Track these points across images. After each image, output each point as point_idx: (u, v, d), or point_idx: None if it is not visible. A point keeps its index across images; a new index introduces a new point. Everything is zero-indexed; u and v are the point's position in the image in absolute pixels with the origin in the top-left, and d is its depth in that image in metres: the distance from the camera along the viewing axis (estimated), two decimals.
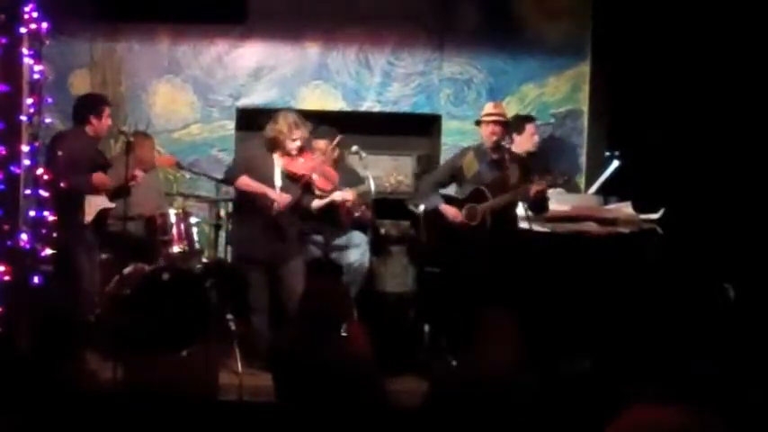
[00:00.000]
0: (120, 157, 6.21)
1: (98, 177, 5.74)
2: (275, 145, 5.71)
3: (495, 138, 5.85)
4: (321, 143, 6.19)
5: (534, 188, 5.65)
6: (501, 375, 3.70)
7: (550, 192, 5.89)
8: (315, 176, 5.79)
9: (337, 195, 5.84)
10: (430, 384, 4.24)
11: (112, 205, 5.86)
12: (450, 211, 5.89)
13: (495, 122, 5.89)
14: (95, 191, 5.75)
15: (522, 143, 6.38)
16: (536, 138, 6.50)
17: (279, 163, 5.73)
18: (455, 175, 6.03)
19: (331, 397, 3.87)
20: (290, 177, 5.74)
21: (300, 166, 5.74)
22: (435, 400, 3.82)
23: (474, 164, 5.93)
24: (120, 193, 5.81)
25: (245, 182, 5.70)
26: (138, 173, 5.89)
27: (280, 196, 5.65)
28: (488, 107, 6.07)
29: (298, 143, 5.68)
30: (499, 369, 3.73)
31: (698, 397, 3.24)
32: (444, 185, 6.10)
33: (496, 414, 3.58)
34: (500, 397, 3.62)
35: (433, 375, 4.45)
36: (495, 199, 5.76)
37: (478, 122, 6.02)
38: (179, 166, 6.51)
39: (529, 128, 6.42)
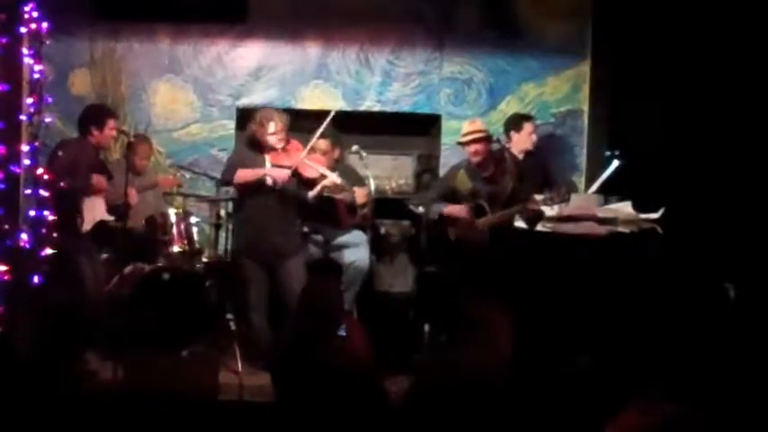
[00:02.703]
0: (119, 162, 6.23)
1: (97, 179, 5.73)
2: (257, 143, 5.75)
3: (478, 158, 5.93)
4: (322, 143, 6.20)
5: (529, 209, 5.68)
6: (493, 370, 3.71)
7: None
8: (302, 167, 5.74)
9: (326, 181, 5.78)
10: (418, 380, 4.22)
11: (111, 218, 5.84)
12: (455, 209, 5.92)
13: (474, 141, 5.95)
14: (94, 191, 5.73)
15: (521, 142, 6.40)
16: (534, 137, 6.50)
17: (268, 159, 5.76)
18: (448, 193, 6.07)
19: (329, 397, 3.87)
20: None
21: (285, 159, 5.75)
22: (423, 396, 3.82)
23: (467, 181, 5.99)
24: (118, 209, 5.79)
25: (242, 174, 5.73)
26: (132, 192, 5.88)
27: (275, 171, 5.68)
28: (464, 127, 6.13)
29: (276, 137, 5.70)
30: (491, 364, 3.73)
31: (695, 396, 3.24)
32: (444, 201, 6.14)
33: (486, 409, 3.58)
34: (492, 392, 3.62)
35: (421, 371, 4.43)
36: (494, 215, 5.80)
37: (460, 143, 6.07)
38: (179, 186, 6.53)
39: (527, 126, 6.44)
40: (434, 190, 6.39)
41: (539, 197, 5.70)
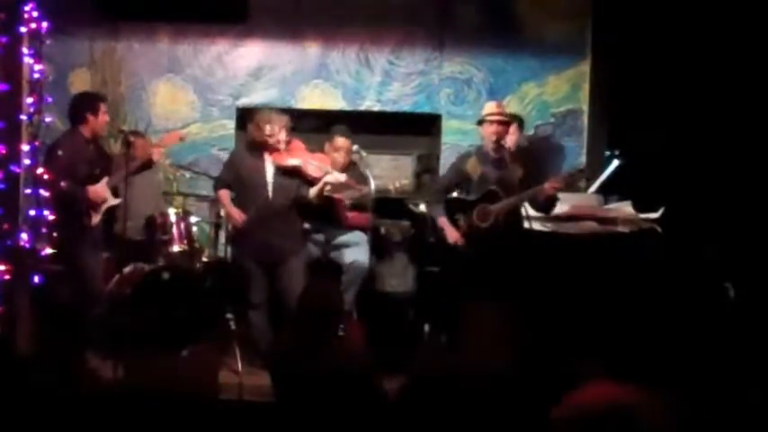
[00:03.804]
0: (118, 158, 6.23)
1: (94, 192, 5.75)
2: (258, 144, 5.75)
3: (496, 137, 5.85)
4: (345, 142, 6.19)
5: (549, 185, 5.65)
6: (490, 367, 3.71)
7: None
8: (306, 165, 5.75)
9: (330, 178, 5.77)
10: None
11: (118, 201, 5.83)
12: (450, 232, 5.87)
13: (498, 122, 5.90)
14: (91, 204, 5.75)
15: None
16: (513, 137, 6.32)
17: (269, 159, 5.75)
18: (461, 180, 6.02)
19: (328, 397, 3.87)
20: (280, 172, 5.75)
21: (288, 158, 5.74)
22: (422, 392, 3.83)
23: (478, 166, 5.93)
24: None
25: (221, 197, 5.85)
26: (158, 150, 6.01)
27: (234, 215, 5.73)
28: (491, 107, 6.06)
29: (273, 138, 5.70)
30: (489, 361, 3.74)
31: (649, 378, 3.28)
32: (451, 192, 6.09)
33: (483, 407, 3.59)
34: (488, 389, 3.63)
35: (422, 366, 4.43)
36: (511, 198, 5.75)
37: (480, 122, 6.01)
38: (182, 139, 6.53)
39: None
40: (443, 179, 6.32)
41: (559, 177, 5.70)
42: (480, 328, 4.03)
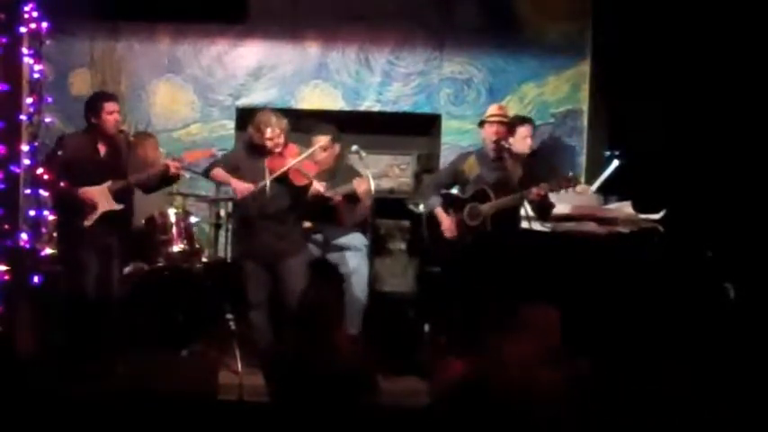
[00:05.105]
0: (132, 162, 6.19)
1: (85, 193, 5.54)
2: (255, 146, 5.74)
3: (496, 137, 5.85)
4: (322, 139, 6.18)
5: (534, 192, 5.64)
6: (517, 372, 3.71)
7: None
8: (292, 173, 5.70)
9: (312, 189, 5.73)
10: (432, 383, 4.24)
11: (118, 207, 5.65)
12: (444, 221, 5.89)
13: (499, 123, 5.90)
14: (81, 205, 5.56)
15: (515, 145, 6.28)
16: (529, 141, 6.24)
17: (266, 162, 5.72)
18: (457, 178, 6.03)
19: (326, 397, 3.87)
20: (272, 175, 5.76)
21: (278, 163, 5.73)
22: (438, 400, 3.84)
23: (476, 167, 5.94)
24: (162, 181, 5.74)
25: (216, 173, 5.79)
26: (176, 164, 5.73)
27: (238, 185, 5.65)
28: (493, 108, 6.07)
29: (273, 141, 5.67)
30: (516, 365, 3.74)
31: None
32: (447, 188, 6.10)
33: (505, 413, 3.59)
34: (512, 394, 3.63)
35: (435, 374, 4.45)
36: (497, 201, 5.76)
37: (482, 124, 6.01)
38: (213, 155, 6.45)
39: (521, 130, 6.20)
40: (439, 175, 6.33)
41: (545, 184, 5.66)
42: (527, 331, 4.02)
